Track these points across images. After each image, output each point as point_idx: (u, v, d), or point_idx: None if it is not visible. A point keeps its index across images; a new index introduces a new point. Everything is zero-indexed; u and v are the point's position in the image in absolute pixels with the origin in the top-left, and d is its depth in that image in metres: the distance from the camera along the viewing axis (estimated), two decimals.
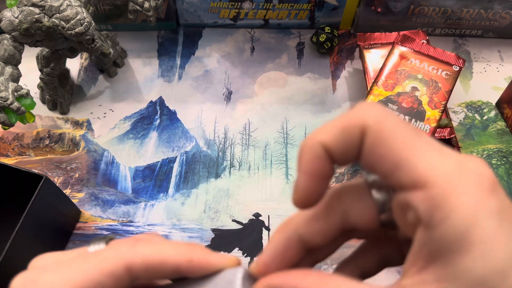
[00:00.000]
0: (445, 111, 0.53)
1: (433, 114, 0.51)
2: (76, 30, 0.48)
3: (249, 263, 0.49)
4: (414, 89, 0.53)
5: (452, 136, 0.53)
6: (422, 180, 0.16)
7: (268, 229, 0.52)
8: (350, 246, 0.24)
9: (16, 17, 0.46)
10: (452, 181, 0.16)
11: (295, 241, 0.20)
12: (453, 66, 0.55)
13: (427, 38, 0.61)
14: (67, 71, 0.62)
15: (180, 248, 0.20)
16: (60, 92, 0.59)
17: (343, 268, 0.24)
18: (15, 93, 0.47)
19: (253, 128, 0.60)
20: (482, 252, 0.15)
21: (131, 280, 0.19)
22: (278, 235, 0.21)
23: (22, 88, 0.48)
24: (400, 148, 0.17)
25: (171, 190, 0.55)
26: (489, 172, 0.17)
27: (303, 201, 0.19)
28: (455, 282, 0.15)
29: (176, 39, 0.69)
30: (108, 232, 0.52)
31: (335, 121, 0.18)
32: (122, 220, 0.52)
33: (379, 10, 0.64)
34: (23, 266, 0.46)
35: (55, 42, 0.50)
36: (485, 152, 0.57)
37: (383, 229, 0.20)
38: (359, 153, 0.18)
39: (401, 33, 0.58)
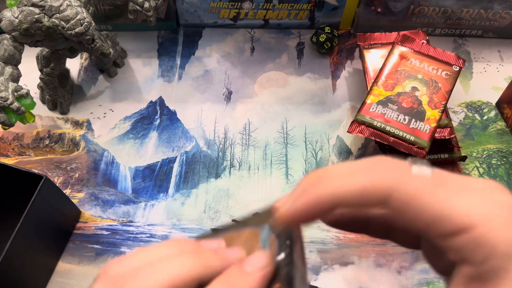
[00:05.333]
0: (445, 111, 0.53)
1: (433, 114, 0.51)
2: (76, 30, 0.48)
3: None
4: (414, 89, 0.53)
5: (452, 136, 0.53)
6: (462, 226, 0.18)
7: None
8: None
9: (16, 17, 0.46)
10: (490, 219, 0.18)
11: (328, 202, 0.20)
12: (453, 66, 0.55)
13: (427, 38, 0.61)
14: (67, 71, 0.62)
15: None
16: (60, 92, 0.59)
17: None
18: (15, 93, 0.47)
19: (253, 128, 0.60)
20: None
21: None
22: (313, 189, 0.21)
23: (22, 88, 0.48)
24: (431, 205, 0.18)
25: (171, 190, 0.55)
26: None
27: (286, 219, 0.21)
28: None
29: (176, 39, 0.69)
30: (108, 232, 0.52)
31: (357, 178, 0.19)
32: (122, 220, 0.52)
33: (379, 10, 0.64)
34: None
35: (55, 42, 0.50)
36: (485, 152, 0.57)
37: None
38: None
39: (401, 33, 0.58)
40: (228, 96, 0.63)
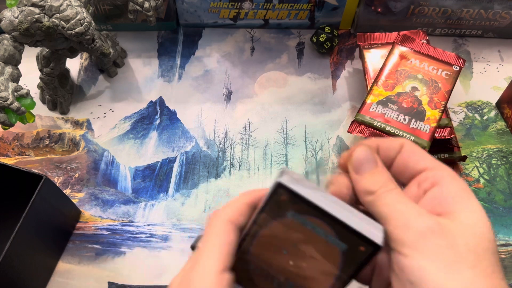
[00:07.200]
0: (445, 111, 0.53)
1: (433, 114, 0.51)
2: (76, 30, 0.48)
3: None
4: (414, 89, 0.53)
5: (452, 136, 0.53)
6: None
7: None
8: None
9: (16, 17, 0.46)
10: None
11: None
12: (453, 66, 0.55)
13: (427, 38, 0.61)
14: (67, 71, 0.62)
15: None
16: (60, 92, 0.59)
17: None
18: (15, 93, 0.47)
19: (253, 128, 0.60)
20: None
21: None
22: None
23: (22, 88, 0.48)
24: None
25: (171, 190, 0.55)
26: None
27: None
28: None
29: (176, 39, 0.69)
30: (108, 232, 0.52)
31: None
32: (122, 220, 0.53)
33: (379, 10, 0.64)
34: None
35: (55, 42, 0.50)
36: (485, 152, 0.57)
37: None
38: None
39: (401, 33, 0.58)
40: (228, 96, 0.63)
